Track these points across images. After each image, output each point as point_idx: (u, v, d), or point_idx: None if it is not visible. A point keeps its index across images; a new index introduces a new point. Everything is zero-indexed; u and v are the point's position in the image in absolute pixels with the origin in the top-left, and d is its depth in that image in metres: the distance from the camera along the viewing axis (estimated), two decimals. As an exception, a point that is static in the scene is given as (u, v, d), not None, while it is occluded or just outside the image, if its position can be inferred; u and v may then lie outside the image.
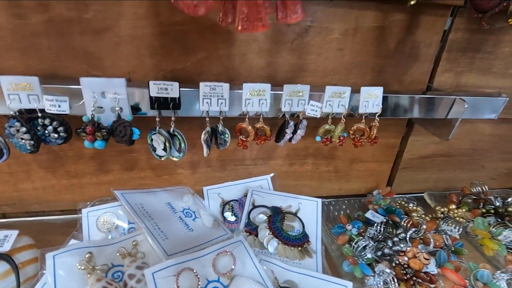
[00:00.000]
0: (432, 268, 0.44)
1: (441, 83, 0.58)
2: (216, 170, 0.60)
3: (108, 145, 0.51)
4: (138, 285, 0.34)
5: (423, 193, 0.70)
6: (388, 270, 0.44)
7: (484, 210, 0.60)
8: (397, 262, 0.46)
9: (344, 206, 0.64)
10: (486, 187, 0.65)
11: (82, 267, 0.35)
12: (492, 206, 0.60)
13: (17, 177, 0.53)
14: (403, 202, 0.62)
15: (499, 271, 0.45)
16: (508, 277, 0.45)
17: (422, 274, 0.42)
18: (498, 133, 0.69)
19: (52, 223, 0.57)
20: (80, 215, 0.49)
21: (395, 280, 0.43)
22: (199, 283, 0.35)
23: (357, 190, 0.70)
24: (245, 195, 0.58)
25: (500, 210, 0.59)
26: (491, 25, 0.54)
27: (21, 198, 0.55)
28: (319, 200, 0.56)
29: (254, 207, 0.54)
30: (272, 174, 0.62)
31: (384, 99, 0.50)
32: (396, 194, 0.67)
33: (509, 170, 0.76)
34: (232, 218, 0.54)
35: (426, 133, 0.63)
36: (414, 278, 0.42)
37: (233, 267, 0.38)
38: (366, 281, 0.45)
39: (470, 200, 0.64)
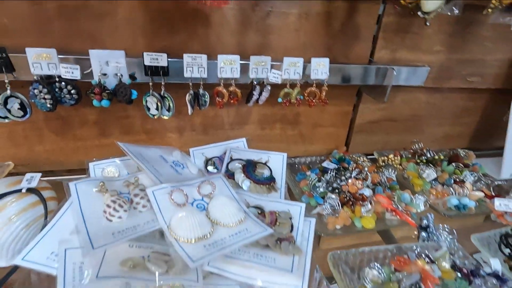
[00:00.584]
0: (366, 192, 0.57)
1: (380, 58, 0.72)
2: (200, 134, 0.72)
3: (109, 111, 0.63)
4: (141, 201, 0.46)
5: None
6: (334, 197, 0.57)
7: (418, 160, 0.75)
8: (342, 191, 0.59)
9: (307, 162, 0.77)
10: (422, 144, 0.80)
11: (97, 189, 0.46)
12: (425, 157, 0.75)
13: (31, 140, 0.63)
14: (354, 156, 0.76)
15: (417, 194, 0.59)
16: (424, 199, 0.59)
17: (357, 195, 0.55)
18: (433, 101, 0.84)
19: (60, 182, 0.67)
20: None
21: (339, 204, 0.57)
22: (187, 198, 0.47)
23: (319, 151, 0.83)
24: (225, 153, 0.70)
25: (430, 159, 0.74)
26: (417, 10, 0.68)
27: (34, 159, 0.65)
28: (285, 154, 0.69)
29: (232, 160, 0.67)
30: (246, 138, 0.74)
31: (334, 69, 0.64)
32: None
33: (445, 134, 0.92)
34: (214, 170, 0.66)
35: (372, 101, 0.77)
36: (352, 199, 0.56)
37: (213, 191, 0.50)
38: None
39: (410, 155, 0.79)
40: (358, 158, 0.74)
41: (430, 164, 0.71)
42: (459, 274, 0.44)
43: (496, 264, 0.47)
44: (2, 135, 0.61)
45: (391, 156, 0.73)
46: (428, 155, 0.75)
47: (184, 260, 0.38)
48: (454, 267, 0.45)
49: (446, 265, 0.44)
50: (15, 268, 0.42)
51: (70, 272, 0.39)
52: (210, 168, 0.67)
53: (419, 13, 0.49)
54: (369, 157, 0.81)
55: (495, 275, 0.44)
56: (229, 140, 0.73)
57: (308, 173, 0.67)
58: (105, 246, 0.39)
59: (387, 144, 0.87)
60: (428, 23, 0.52)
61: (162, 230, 0.44)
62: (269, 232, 0.45)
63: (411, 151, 0.79)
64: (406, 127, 0.86)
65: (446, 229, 0.53)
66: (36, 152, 0.64)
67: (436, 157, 0.73)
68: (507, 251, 0.52)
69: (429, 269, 0.42)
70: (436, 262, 0.45)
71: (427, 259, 0.44)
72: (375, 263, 0.43)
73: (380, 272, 0.42)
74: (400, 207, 0.57)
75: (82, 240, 0.39)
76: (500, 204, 0.60)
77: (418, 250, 0.49)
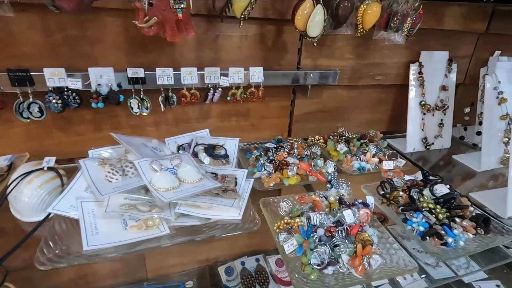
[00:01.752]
0: (290, 160, 0.82)
1: (305, 65, 0.97)
2: (172, 127, 0.94)
3: (101, 112, 0.84)
4: (131, 170, 0.68)
5: (311, 137, 1.10)
6: (269, 164, 0.81)
7: (339, 139, 1.00)
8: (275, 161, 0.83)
9: (257, 146, 1.01)
10: (344, 128, 1.06)
11: (99, 164, 0.68)
12: (344, 137, 1.01)
13: (41, 136, 0.83)
14: (291, 139, 1.01)
15: (328, 160, 0.84)
16: (334, 164, 0.84)
17: (283, 161, 0.80)
18: (352, 95, 1.11)
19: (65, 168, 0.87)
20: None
21: (272, 170, 0.81)
22: (162, 167, 0.69)
23: (268, 137, 1.06)
24: (192, 141, 0.92)
25: (347, 138, 1.00)
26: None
27: (44, 150, 0.84)
28: (237, 139, 0.92)
29: (197, 145, 0.89)
30: (209, 129, 0.97)
31: (269, 74, 0.88)
32: (293, 138, 1.06)
33: (367, 120, 1.19)
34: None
35: (304, 97, 1.02)
36: (280, 165, 0.80)
37: (180, 162, 0.73)
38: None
39: (335, 137, 1.04)
40: (294, 140, 0.99)
41: (345, 141, 0.96)
42: (342, 205, 0.69)
43: (370, 199, 0.72)
44: (20, 133, 0.80)
45: (316, 137, 0.98)
46: (346, 135, 1.01)
47: (160, 200, 0.60)
48: (340, 200, 0.70)
49: (333, 199, 0.69)
50: (48, 215, 0.62)
51: (86, 214, 0.61)
52: (181, 151, 0.89)
53: (307, 38, 0.73)
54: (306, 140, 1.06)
55: (364, 203, 0.69)
56: (195, 131, 0.96)
57: (255, 151, 0.90)
58: (109, 194, 0.61)
59: (321, 130, 1.12)
60: (315, 44, 0.76)
61: (146, 187, 0.66)
62: (218, 185, 0.68)
63: (336, 133, 1.04)
64: (334, 116, 1.12)
65: (344, 182, 0.78)
66: (45, 145, 0.84)
67: (351, 136, 0.99)
68: (381, 192, 0.77)
69: (319, 199, 0.67)
70: (327, 198, 0.69)
71: (320, 195, 0.69)
72: (286, 199, 0.67)
73: (288, 203, 0.66)
74: (315, 169, 0.82)
75: (94, 192, 0.61)
76: (385, 164, 0.86)
77: (323, 194, 0.73)
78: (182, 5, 0.57)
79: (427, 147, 1.13)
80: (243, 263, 1.26)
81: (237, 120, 1.00)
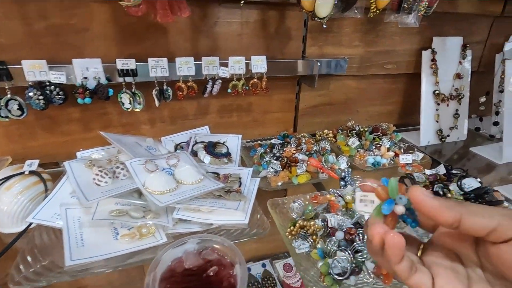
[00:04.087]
0: (299, 157, 0.74)
1: (311, 54, 0.90)
2: (169, 124, 0.87)
3: (90, 110, 0.77)
4: (122, 171, 0.60)
5: (318, 132, 1.02)
6: (276, 162, 0.74)
7: (349, 134, 0.93)
8: (282, 158, 0.76)
9: (261, 142, 0.93)
10: (353, 121, 0.98)
11: (87, 165, 0.60)
12: (354, 131, 0.94)
13: (25, 137, 0.75)
14: (298, 134, 0.93)
15: (340, 155, 0.77)
16: (346, 159, 0.77)
17: (291, 158, 0.72)
18: (361, 86, 1.03)
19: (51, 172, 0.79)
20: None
21: (280, 167, 0.73)
22: (158, 167, 0.62)
23: (272, 133, 0.99)
24: (191, 139, 0.85)
25: (357, 132, 0.92)
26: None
27: (28, 153, 0.77)
28: (240, 135, 0.85)
29: (196, 143, 0.82)
30: (209, 125, 0.90)
31: (272, 64, 0.81)
32: (299, 134, 0.99)
33: (377, 113, 1.11)
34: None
35: (310, 89, 0.94)
36: (288, 162, 0.72)
37: (178, 161, 0.65)
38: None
39: (345, 131, 0.97)
40: (301, 136, 0.91)
41: (356, 135, 0.89)
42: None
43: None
44: (0, 134, 0.73)
45: (325, 131, 0.91)
46: (357, 129, 0.93)
47: (155, 204, 0.53)
48: (357, 200, 0.63)
49: (349, 198, 0.62)
50: (28, 226, 0.55)
51: (71, 223, 0.53)
52: (178, 151, 0.81)
53: (315, 18, 0.66)
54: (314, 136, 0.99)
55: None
56: (194, 128, 0.88)
57: (259, 148, 0.83)
58: (96, 199, 0.53)
59: (328, 124, 1.05)
60: (324, 26, 0.69)
61: (140, 190, 0.58)
62: (220, 186, 0.61)
63: (345, 127, 0.97)
64: (342, 109, 1.04)
65: (359, 178, 0.71)
66: (29, 147, 0.76)
67: (362, 130, 0.92)
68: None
69: (335, 199, 0.59)
70: (343, 197, 0.62)
71: (335, 195, 0.62)
72: (298, 199, 0.60)
73: (300, 204, 0.59)
74: (326, 166, 0.74)
75: (79, 197, 0.53)
76: (402, 158, 0.78)
77: (337, 193, 0.66)
78: (174, -20, 0.50)
79: (442, 139, 1.06)
80: (248, 270, 1.19)
81: (238, 116, 0.93)
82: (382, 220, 0.28)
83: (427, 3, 0.71)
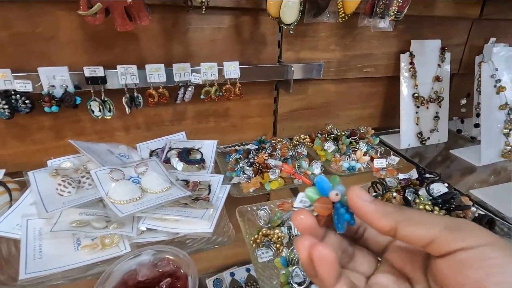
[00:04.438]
0: (271, 162, 0.74)
1: (287, 59, 0.89)
2: (144, 131, 0.86)
3: (61, 117, 0.76)
4: (87, 180, 0.60)
5: (298, 136, 1.02)
6: (248, 168, 0.73)
7: (327, 138, 0.92)
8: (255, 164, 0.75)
9: (238, 148, 0.93)
10: (332, 125, 0.98)
11: (52, 175, 0.59)
12: (332, 135, 0.93)
13: (-5, 146, 0.74)
14: (275, 139, 0.93)
15: (314, 161, 0.77)
16: (320, 164, 0.76)
17: (263, 164, 0.72)
18: (340, 90, 1.03)
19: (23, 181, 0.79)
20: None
21: (252, 173, 0.73)
22: (124, 176, 0.61)
23: (252, 138, 0.99)
24: (166, 145, 0.84)
25: (335, 136, 0.92)
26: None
27: (-1, 162, 0.76)
28: (215, 141, 0.84)
29: (171, 149, 0.81)
30: (185, 131, 0.89)
31: (246, 69, 0.80)
32: (278, 138, 0.98)
33: (358, 116, 1.11)
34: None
35: (289, 93, 0.94)
36: (259, 168, 0.72)
37: (146, 169, 0.65)
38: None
39: (323, 135, 0.97)
40: (278, 141, 0.91)
41: (334, 139, 0.89)
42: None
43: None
44: (-31, 144, 0.72)
45: (302, 136, 0.91)
46: (335, 133, 0.93)
47: (116, 214, 0.52)
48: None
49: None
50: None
51: (31, 234, 0.52)
52: (149, 158, 0.81)
53: (282, 25, 0.66)
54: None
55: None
56: (170, 135, 0.88)
57: (234, 154, 0.82)
58: (56, 210, 0.52)
59: (309, 129, 1.04)
60: (291, 32, 0.69)
61: (105, 200, 0.58)
62: (187, 194, 0.60)
63: (324, 131, 0.97)
64: (322, 113, 1.04)
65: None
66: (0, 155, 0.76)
67: (340, 134, 0.92)
68: (373, 194, 0.70)
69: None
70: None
71: (303, 201, 0.61)
72: (264, 207, 0.59)
73: (266, 211, 0.58)
74: (299, 172, 0.74)
75: (39, 207, 0.53)
76: (377, 163, 0.78)
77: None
78: (131, -11, 0.49)
79: (423, 142, 1.06)
80: (232, 274, 1.18)
81: (216, 121, 0.92)
82: (310, 213, 0.26)
83: (396, 8, 0.70)
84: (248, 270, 1.20)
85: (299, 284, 0.47)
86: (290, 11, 0.62)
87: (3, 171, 0.64)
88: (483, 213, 0.63)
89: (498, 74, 0.95)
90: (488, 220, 0.59)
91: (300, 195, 0.30)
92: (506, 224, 0.61)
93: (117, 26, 0.53)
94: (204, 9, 0.62)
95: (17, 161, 0.77)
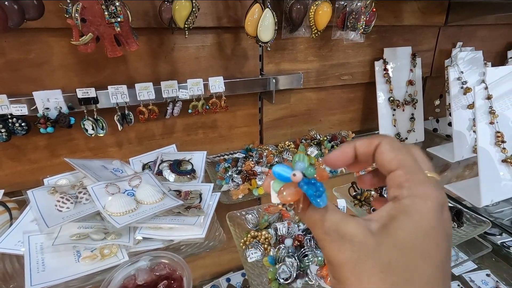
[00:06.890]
0: (258, 169, 0.79)
1: (269, 71, 0.95)
2: (136, 145, 0.90)
3: (56, 137, 0.80)
4: (84, 196, 0.63)
5: (284, 143, 1.07)
6: (237, 176, 0.78)
7: (311, 143, 0.98)
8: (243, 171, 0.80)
9: (227, 157, 0.98)
10: (315, 131, 1.04)
11: (50, 192, 0.63)
12: (315, 140, 0.99)
13: (-9, 168, 0.77)
14: (262, 147, 0.98)
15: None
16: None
17: (250, 171, 0.77)
18: (321, 97, 1.10)
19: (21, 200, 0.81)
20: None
21: (240, 180, 0.77)
22: (119, 189, 0.65)
23: (240, 147, 1.04)
24: (158, 158, 0.88)
25: (318, 141, 0.98)
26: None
27: (-4, 183, 0.79)
28: (205, 152, 0.89)
29: (162, 162, 0.85)
30: (175, 144, 0.93)
31: (230, 83, 0.86)
32: (265, 146, 1.03)
33: (339, 121, 1.18)
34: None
35: (271, 103, 1.00)
36: (247, 175, 0.77)
37: (139, 182, 0.69)
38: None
39: (307, 140, 1.02)
40: (264, 148, 0.96)
41: (317, 144, 0.94)
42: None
43: (341, 202, 0.70)
44: (-34, 167, 0.75)
45: (287, 142, 0.96)
46: (317, 138, 0.99)
47: (113, 225, 0.56)
48: (309, 207, 0.67)
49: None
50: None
51: (33, 249, 0.56)
52: (143, 171, 0.85)
53: (260, 43, 0.72)
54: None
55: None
56: (161, 148, 0.92)
57: (223, 163, 0.87)
58: (57, 225, 0.56)
59: (293, 135, 1.10)
60: (269, 49, 0.75)
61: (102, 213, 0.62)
62: (179, 203, 0.64)
63: (308, 137, 1.02)
64: (305, 119, 1.10)
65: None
66: (-3, 177, 0.79)
67: (322, 139, 0.97)
68: (353, 194, 0.75)
69: (285, 209, 0.64)
70: (296, 205, 0.67)
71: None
72: (252, 211, 0.64)
73: (254, 215, 0.63)
74: (285, 176, 0.79)
75: (40, 223, 0.56)
76: (356, 164, 0.84)
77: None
78: (119, 19, 0.54)
79: (401, 142, 1.12)
80: (228, 280, 1.21)
81: (204, 133, 0.97)
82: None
83: (364, 22, 0.77)
84: (243, 274, 1.24)
85: (285, 279, 0.52)
86: (266, 31, 0.68)
87: (2, 191, 0.67)
88: (451, 205, 0.69)
89: (464, 76, 1.03)
90: (456, 212, 0.65)
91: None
92: (473, 214, 0.67)
93: (107, 53, 0.58)
94: (186, 34, 0.67)
95: (14, 181, 0.80)
